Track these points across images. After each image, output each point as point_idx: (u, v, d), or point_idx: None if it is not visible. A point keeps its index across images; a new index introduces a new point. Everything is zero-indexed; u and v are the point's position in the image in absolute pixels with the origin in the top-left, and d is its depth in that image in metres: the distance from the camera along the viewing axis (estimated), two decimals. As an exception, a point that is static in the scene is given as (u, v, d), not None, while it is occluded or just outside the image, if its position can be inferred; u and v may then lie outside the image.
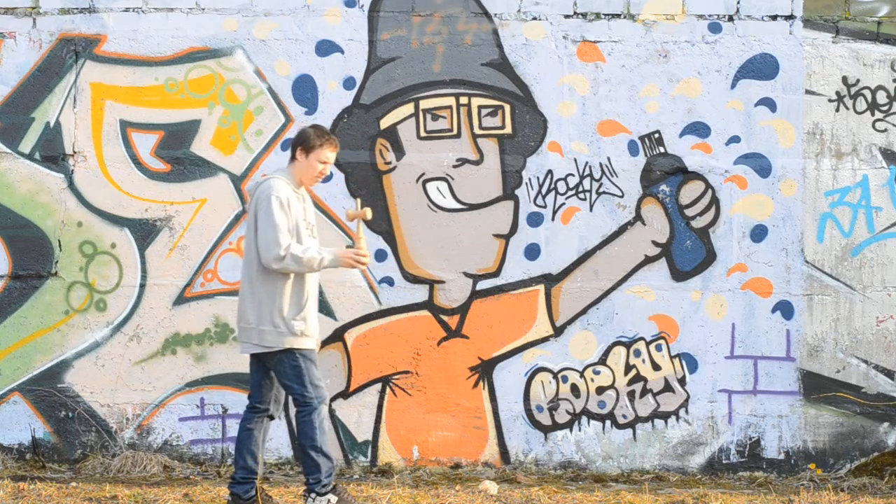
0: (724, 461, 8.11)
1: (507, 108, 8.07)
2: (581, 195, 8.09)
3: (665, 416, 8.10)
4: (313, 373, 6.66)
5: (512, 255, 8.10)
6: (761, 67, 8.06)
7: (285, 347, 6.59)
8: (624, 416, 8.12)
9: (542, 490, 7.60)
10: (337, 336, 8.07)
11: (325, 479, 6.63)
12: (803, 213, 8.08)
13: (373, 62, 8.07)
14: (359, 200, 6.92)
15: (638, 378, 8.10)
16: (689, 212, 8.08)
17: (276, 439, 8.02)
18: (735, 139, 8.06)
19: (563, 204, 8.09)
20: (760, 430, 8.10)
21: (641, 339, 8.10)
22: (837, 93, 8.07)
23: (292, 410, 6.99)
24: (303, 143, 6.71)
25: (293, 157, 6.74)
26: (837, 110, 8.07)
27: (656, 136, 8.07)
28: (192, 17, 8.05)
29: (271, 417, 6.84)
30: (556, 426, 8.11)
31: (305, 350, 6.65)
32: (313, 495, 6.63)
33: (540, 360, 8.10)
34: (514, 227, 8.09)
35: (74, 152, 8.05)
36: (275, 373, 6.70)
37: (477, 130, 8.07)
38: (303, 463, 6.71)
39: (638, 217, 8.09)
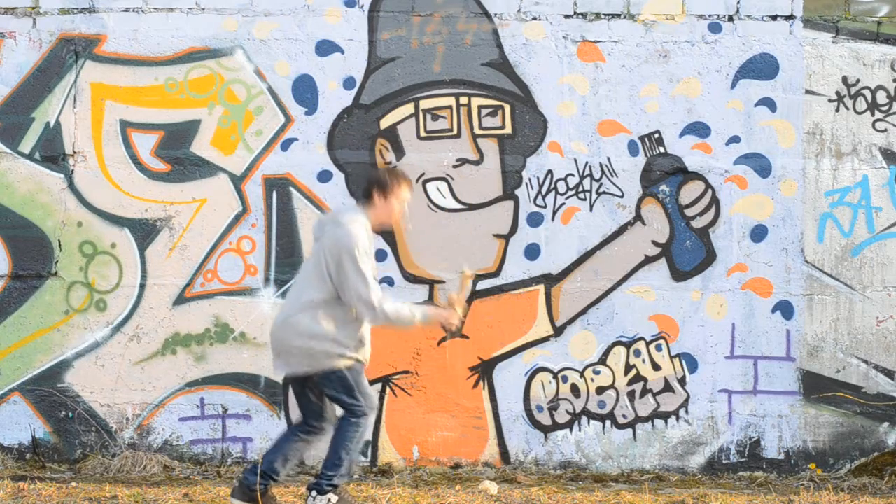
0: (724, 461, 8.11)
1: (507, 108, 8.07)
2: (581, 195, 8.09)
3: (665, 416, 8.10)
4: (362, 383, 6.60)
5: (512, 255, 8.09)
6: (761, 67, 8.05)
7: (336, 367, 6.56)
8: (624, 416, 8.11)
9: (542, 490, 7.60)
10: (337, 336, 8.07)
11: (336, 481, 6.60)
12: (803, 213, 8.08)
13: (373, 62, 8.07)
14: (465, 270, 6.73)
15: (638, 378, 8.10)
16: (689, 212, 8.08)
17: (276, 439, 8.02)
18: (735, 139, 8.06)
19: (563, 204, 8.09)
20: (760, 430, 8.10)
21: (641, 339, 8.10)
22: (837, 93, 8.07)
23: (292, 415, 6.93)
24: (380, 186, 6.64)
25: (369, 199, 6.63)
26: (837, 110, 8.07)
27: (656, 136, 8.07)
28: (192, 17, 8.05)
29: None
30: (556, 426, 8.11)
31: (354, 365, 6.61)
32: (314, 493, 6.61)
33: (540, 360, 8.10)
34: (514, 227, 8.09)
35: (74, 152, 8.05)
36: (322, 387, 6.60)
37: (477, 130, 8.07)
38: (327, 457, 6.60)
39: (638, 217, 8.08)
